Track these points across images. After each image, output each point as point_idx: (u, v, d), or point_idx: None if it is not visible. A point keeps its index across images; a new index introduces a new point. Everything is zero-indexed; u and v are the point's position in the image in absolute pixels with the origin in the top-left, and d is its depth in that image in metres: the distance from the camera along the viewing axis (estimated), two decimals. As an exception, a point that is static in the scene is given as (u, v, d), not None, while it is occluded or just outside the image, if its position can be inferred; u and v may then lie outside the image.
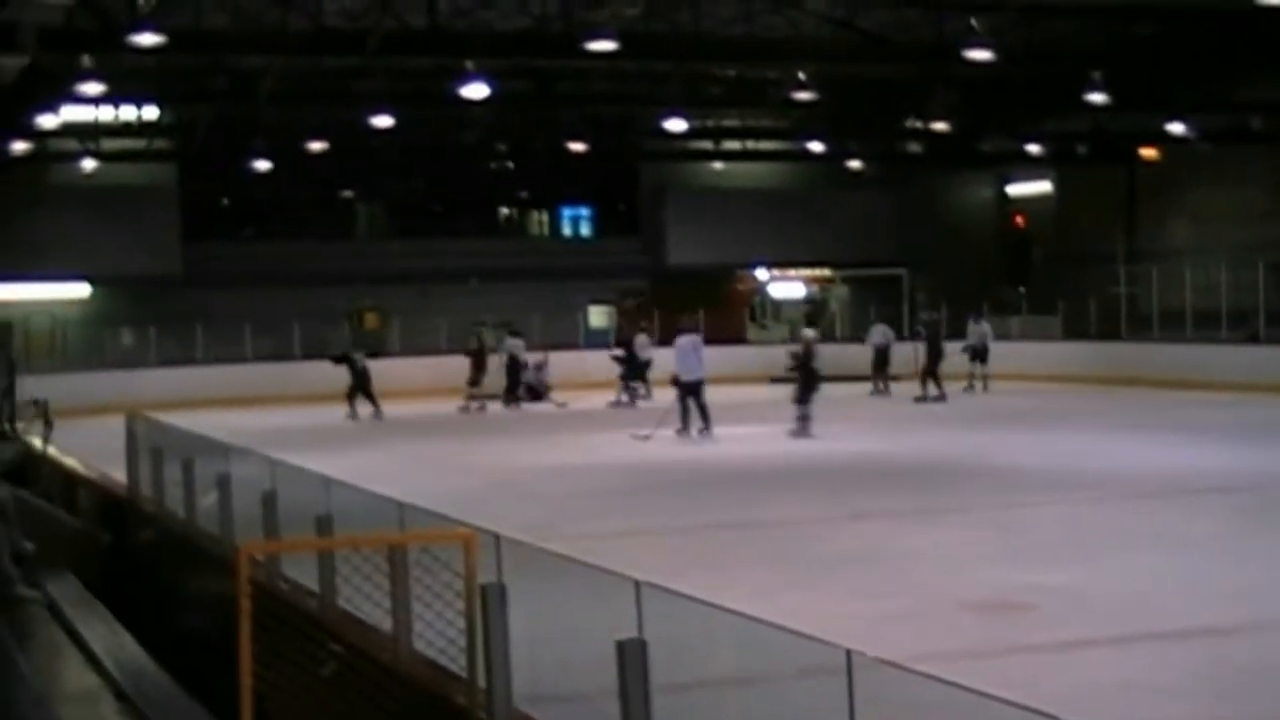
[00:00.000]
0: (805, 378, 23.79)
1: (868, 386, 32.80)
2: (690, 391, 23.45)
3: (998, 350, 33.85)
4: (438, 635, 7.39)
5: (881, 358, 32.95)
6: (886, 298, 41.53)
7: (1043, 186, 46.22)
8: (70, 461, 19.46)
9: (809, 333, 26.96)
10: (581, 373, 35.37)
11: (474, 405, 30.82)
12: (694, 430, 23.13)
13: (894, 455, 20.46)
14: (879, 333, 33.55)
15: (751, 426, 25.32)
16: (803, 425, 23.05)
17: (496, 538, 7.11)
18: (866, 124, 41.59)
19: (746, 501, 16.12)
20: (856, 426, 25.12)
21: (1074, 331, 37.14)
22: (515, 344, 32.45)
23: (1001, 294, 41.68)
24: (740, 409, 29.30)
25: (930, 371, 30.34)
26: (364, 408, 28.99)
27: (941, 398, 29.62)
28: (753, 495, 16.60)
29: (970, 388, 32.15)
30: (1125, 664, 8.62)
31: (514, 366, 31.96)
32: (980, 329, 33.24)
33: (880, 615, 9.82)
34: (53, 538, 14.10)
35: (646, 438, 22.72)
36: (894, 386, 31.93)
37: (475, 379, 31.44)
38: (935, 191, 47.70)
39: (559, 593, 8.02)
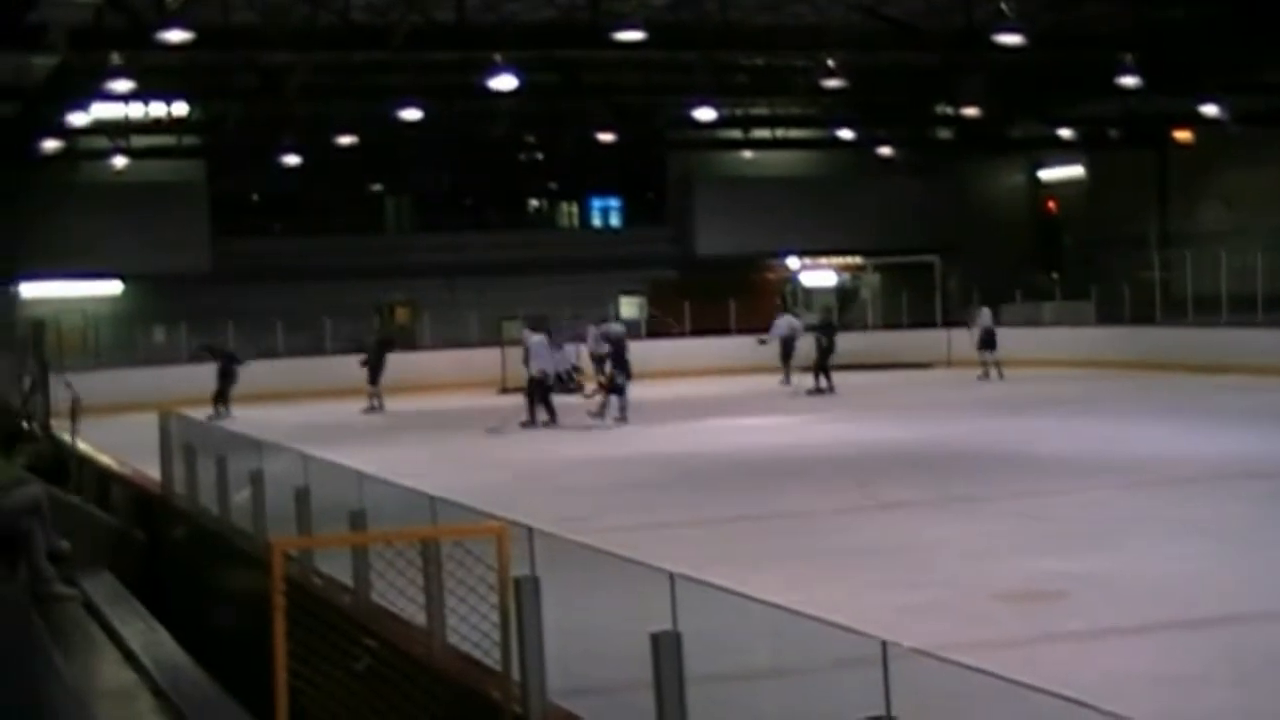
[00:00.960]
0: (617, 367, 24.76)
1: (898, 375, 32.75)
2: (539, 386, 24.53)
3: (1030, 336, 33.77)
4: (472, 629, 7.43)
5: (788, 348, 32.84)
6: (918, 285, 41.46)
7: (1075, 171, 46.01)
8: (104, 459, 19.61)
9: (616, 327, 27.71)
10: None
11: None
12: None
13: (920, 443, 20.44)
14: (784, 325, 33.28)
15: (777, 416, 25.33)
16: (600, 414, 24.83)
17: (529, 531, 7.16)
18: (896, 110, 41.54)
19: (774, 492, 16.14)
20: (881, 414, 25.13)
21: (1107, 317, 36.99)
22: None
23: (1034, 280, 41.54)
24: (767, 398, 29.33)
25: (821, 365, 30.29)
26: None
27: (828, 390, 29.62)
28: (780, 486, 16.62)
29: (985, 375, 32.07)
30: (1157, 653, 8.64)
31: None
32: (983, 315, 33.11)
33: (912, 606, 9.85)
34: (88, 536, 14.23)
35: (496, 430, 23.48)
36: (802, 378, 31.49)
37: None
38: (967, 177, 47.56)
39: (592, 585, 8.08)
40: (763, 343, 33.20)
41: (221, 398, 29.18)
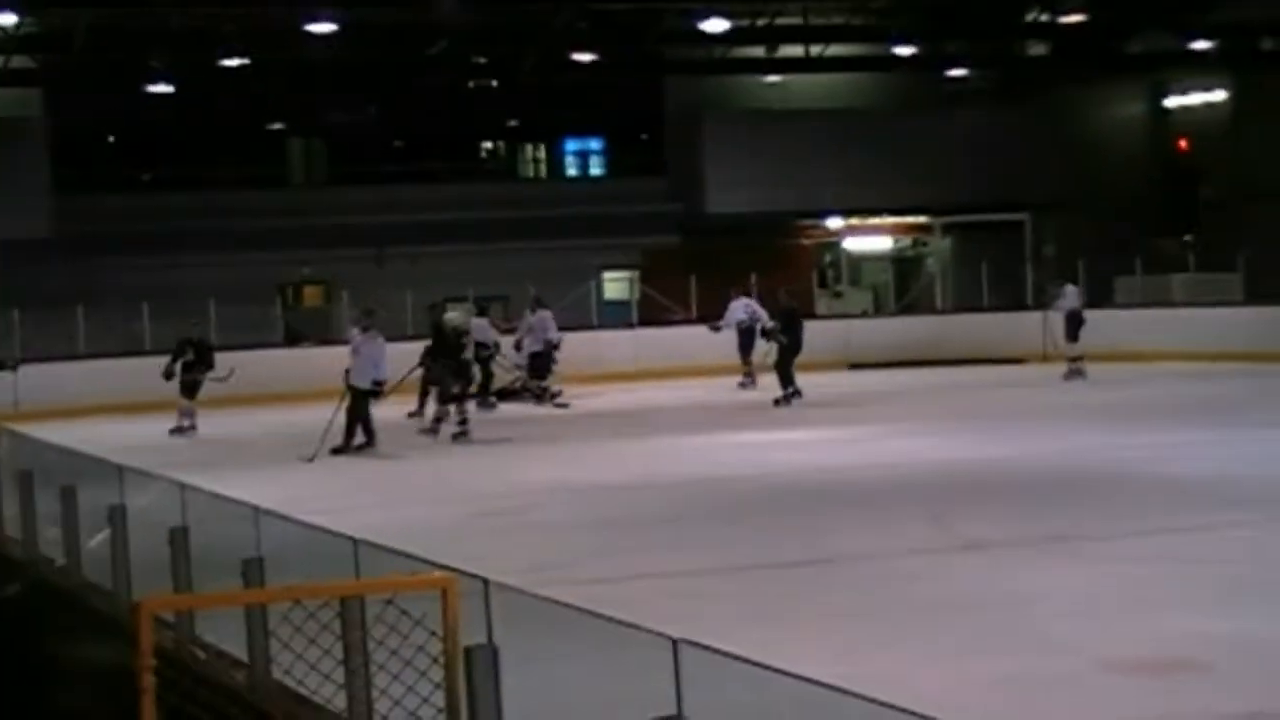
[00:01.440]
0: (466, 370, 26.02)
1: (978, 373, 32.79)
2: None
3: (1154, 320, 33.83)
4: (408, 714, 7.42)
5: (747, 339, 33.13)
6: (1003, 253, 41.52)
7: (1214, 97, 46.08)
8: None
9: (453, 315, 28.73)
10: (595, 360, 35.41)
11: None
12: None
13: (1011, 464, 20.46)
14: (742, 309, 33.57)
15: (822, 429, 25.35)
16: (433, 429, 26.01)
17: (485, 583, 7.14)
18: (974, 19, 41.56)
19: (817, 529, 16.13)
20: (958, 426, 25.16)
21: (1259, 293, 37.04)
22: (479, 324, 32.59)
23: (1160, 245, 41.60)
24: (808, 405, 29.33)
25: (783, 366, 30.18)
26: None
27: (795, 395, 29.57)
28: (826, 520, 16.62)
29: (1074, 374, 32.14)
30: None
31: (482, 353, 32.02)
32: (1068, 295, 33.18)
33: (1000, 678, 9.84)
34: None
35: (310, 459, 23.39)
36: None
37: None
38: (1068, 108, 47.57)
39: (568, 656, 8.05)
40: (716, 330, 33.62)
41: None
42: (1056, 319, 33.30)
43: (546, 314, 32.74)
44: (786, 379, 29.87)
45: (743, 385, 32.95)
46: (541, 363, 32.23)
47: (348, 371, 25.00)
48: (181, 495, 11.41)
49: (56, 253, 41.23)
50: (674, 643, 5.84)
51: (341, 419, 24.59)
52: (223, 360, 29.37)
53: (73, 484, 13.90)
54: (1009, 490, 18.28)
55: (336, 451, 24.06)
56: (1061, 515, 16.26)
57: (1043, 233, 43.54)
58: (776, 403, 29.47)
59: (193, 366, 28.87)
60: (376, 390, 25.01)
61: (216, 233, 42.86)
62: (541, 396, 31.95)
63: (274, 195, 46.29)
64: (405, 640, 7.46)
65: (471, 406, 28.67)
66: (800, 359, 32.29)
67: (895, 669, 9.79)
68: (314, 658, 8.25)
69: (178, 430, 28.54)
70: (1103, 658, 10.32)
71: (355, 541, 8.42)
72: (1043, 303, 35.56)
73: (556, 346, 32.37)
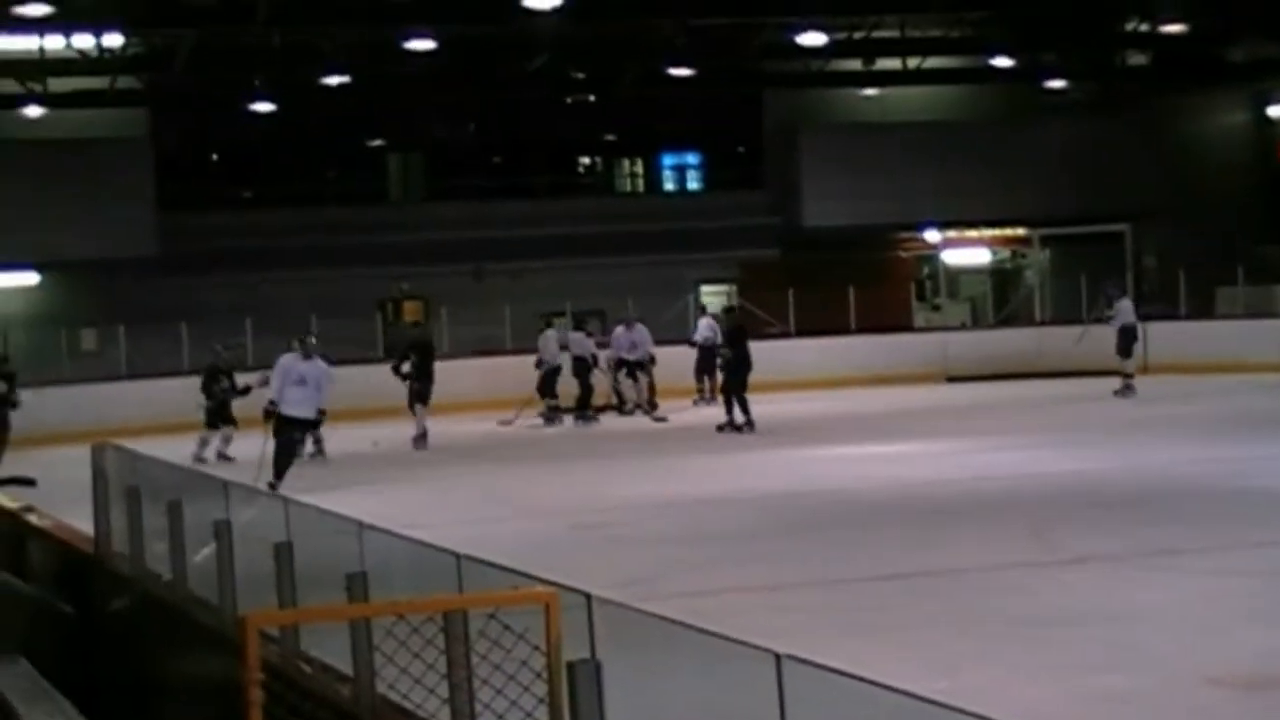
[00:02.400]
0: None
1: (1076, 385, 32.58)
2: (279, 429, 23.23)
3: (1258, 332, 33.44)
4: (512, 730, 7.45)
5: (707, 358, 33.21)
6: (1103, 264, 41.20)
7: (1319, 106, 45.71)
8: (15, 507, 19.79)
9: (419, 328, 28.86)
10: (692, 373, 35.42)
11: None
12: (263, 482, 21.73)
13: (1111, 477, 20.35)
14: (706, 328, 33.73)
15: (921, 442, 25.26)
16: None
17: (587, 598, 7.16)
18: (1071, 30, 41.29)
19: (915, 542, 16.08)
20: (1057, 438, 25.04)
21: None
22: (577, 338, 32.97)
23: (1262, 254, 41.20)
24: (906, 418, 29.24)
25: (733, 389, 28.91)
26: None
27: (747, 425, 28.26)
28: (924, 534, 16.57)
29: (1125, 390, 31.76)
30: None
31: (581, 368, 32.45)
32: (1123, 309, 32.81)
33: (1103, 695, 9.78)
34: (-2, 610, 14.36)
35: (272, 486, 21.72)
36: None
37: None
38: (1168, 118, 47.21)
39: (670, 670, 8.05)
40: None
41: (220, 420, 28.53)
42: (1111, 332, 32.79)
43: (552, 333, 33.10)
44: (735, 403, 28.58)
45: (698, 404, 33.26)
46: (551, 381, 32.66)
47: (273, 402, 23.19)
48: (285, 510, 11.49)
49: (162, 270, 41.64)
50: (777, 657, 5.84)
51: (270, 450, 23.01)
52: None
53: (178, 499, 14.01)
54: (1110, 504, 18.16)
55: (272, 487, 21.43)
56: (1163, 529, 16.16)
57: (1143, 243, 43.17)
58: (720, 429, 28.30)
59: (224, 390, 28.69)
60: (320, 420, 24.04)
61: (317, 249, 43.14)
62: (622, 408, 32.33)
63: (373, 211, 46.49)
64: (508, 654, 7.48)
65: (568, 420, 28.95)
66: (897, 370, 32.26)
67: (996, 684, 9.75)
68: (418, 672, 8.28)
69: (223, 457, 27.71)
70: (1206, 673, 10.24)
71: (458, 556, 8.45)
72: (1096, 317, 35.20)
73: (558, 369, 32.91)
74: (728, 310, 33.08)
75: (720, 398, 30.32)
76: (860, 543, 16.42)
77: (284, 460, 22.82)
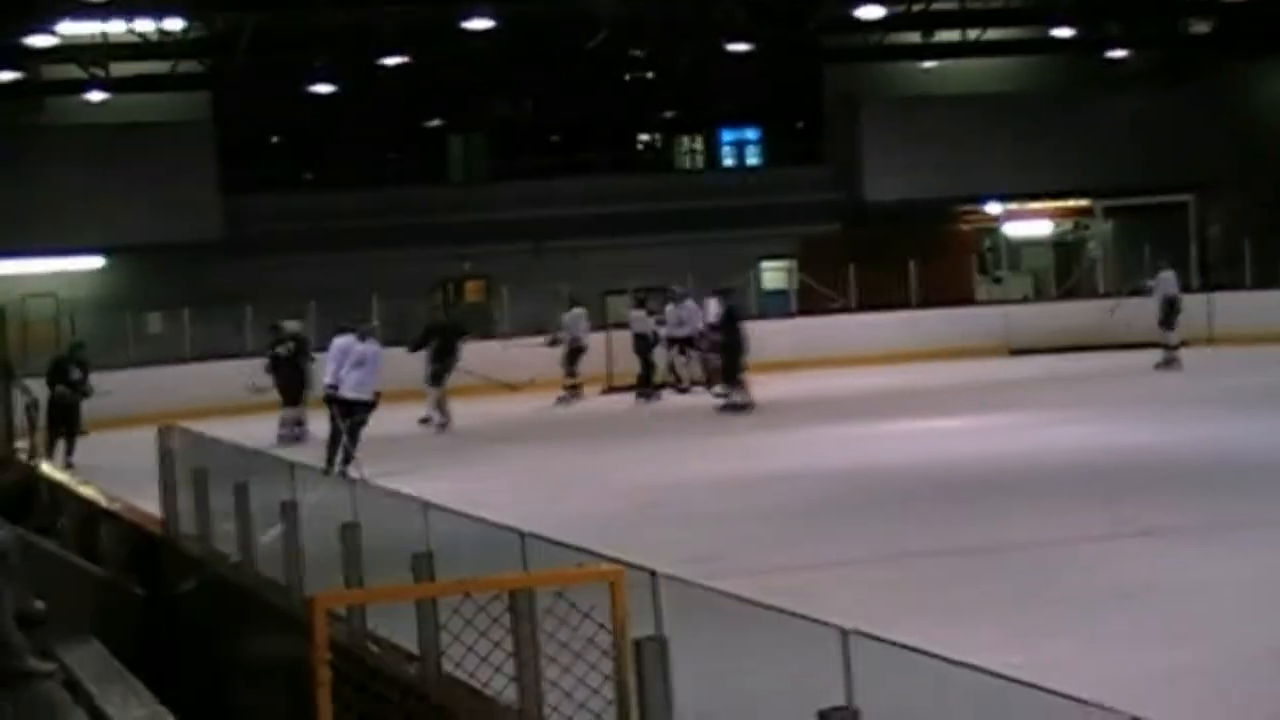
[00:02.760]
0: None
1: (1142, 357, 32.39)
2: (347, 412, 22.77)
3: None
4: (578, 707, 7.44)
5: (644, 345, 32.75)
6: (1167, 235, 40.93)
7: (1383, 73, 45.24)
8: (87, 490, 19.91)
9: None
10: (755, 349, 35.30)
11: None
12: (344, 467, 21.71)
13: (1180, 450, 20.21)
14: (682, 313, 32.89)
15: (985, 416, 25.16)
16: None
17: (653, 575, 7.14)
18: (1133, -1, 41.02)
19: (982, 517, 16.03)
20: (1124, 411, 24.96)
21: None
22: (638, 316, 32.88)
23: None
24: (969, 392, 29.14)
25: (730, 369, 28.97)
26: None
27: (745, 406, 28.24)
28: (993, 509, 16.51)
29: (1168, 363, 31.50)
30: None
31: (642, 345, 32.32)
32: (1164, 281, 32.55)
33: (1172, 670, 9.72)
34: (69, 592, 14.44)
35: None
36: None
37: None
38: (1233, 87, 46.82)
39: (737, 646, 8.03)
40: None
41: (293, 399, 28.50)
42: (1155, 304, 32.54)
43: (580, 312, 32.89)
44: (731, 382, 28.80)
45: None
46: (573, 360, 32.54)
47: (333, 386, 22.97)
48: (352, 491, 11.52)
49: (225, 253, 41.84)
50: (843, 633, 5.81)
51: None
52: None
53: (245, 481, 14.06)
54: (1176, 477, 18.06)
55: (343, 474, 21.06)
56: (1234, 502, 16.07)
57: (1208, 213, 42.82)
58: (724, 409, 28.36)
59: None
60: (376, 402, 23.37)
61: (379, 230, 43.25)
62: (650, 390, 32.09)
63: (435, 191, 46.63)
64: (575, 633, 7.48)
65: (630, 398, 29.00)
66: (960, 344, 32.09)
67: (1068, 658, 9.71)
68: (484, 650, 8.29)
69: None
70: (1275, 648, 10.17)
71: (522, 535, 8.44)
72: (1134, 288, 34.95)
73: (584, 349, 32.80)
74: (724, 291, 32.02)
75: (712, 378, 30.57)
76: (926, 518, 16.37)
77: (352, 443, 22.59)
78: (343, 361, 23.06)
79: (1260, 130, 46.17)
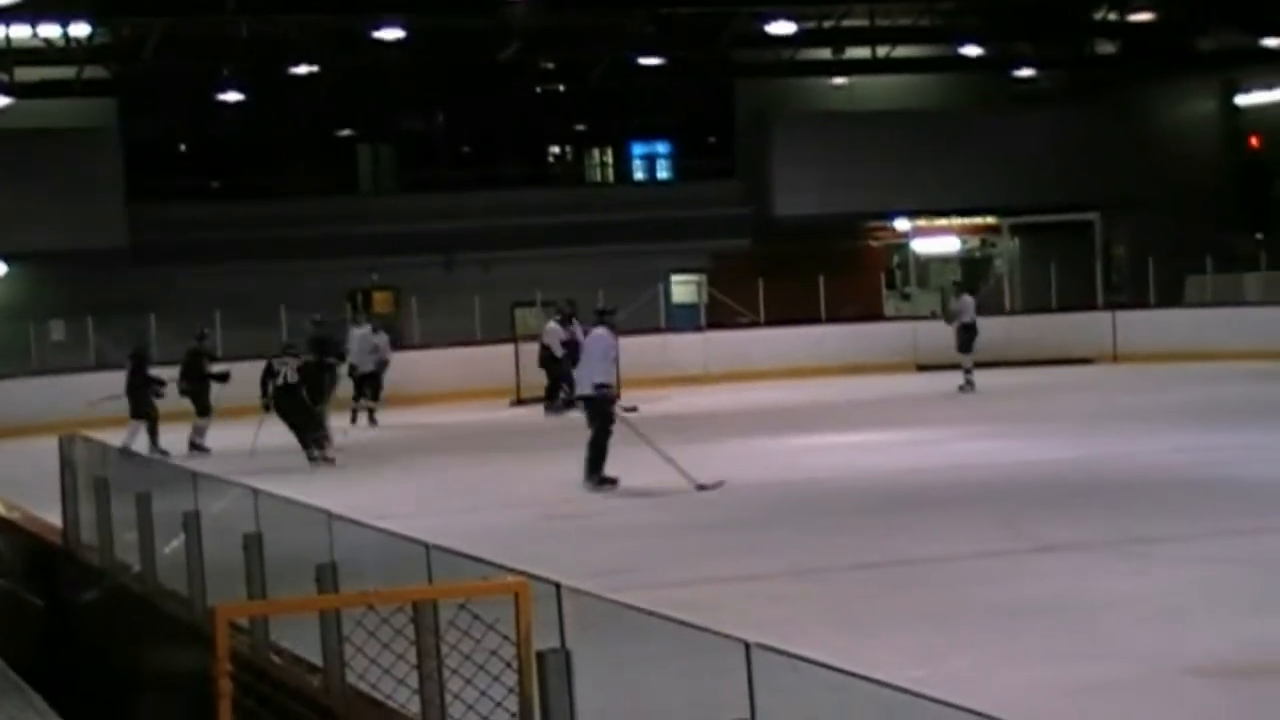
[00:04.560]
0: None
1: (1047, 374, 32.62)
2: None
3: (1227, 320, 33.48)
4: (481, 719, 7.40)
5: (551, 358, 32.08)
6: (1072, 253, 41.29)
7: (1286, 95, 45.76)
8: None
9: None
10: (663, 363, 35.42)
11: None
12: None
13: (1083, 465, 20.35)
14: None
15: (892, 431, 25.25)
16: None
17: (557, 588, 7.12)
18: (1042, 18, 41.35)
19: (890, 531, 16.06)
20: (1028, 427, 25.10)
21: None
22: (551, 330, 32.62)
23: (1231, 243, 41.29)
24: (877, 407, 29.25)
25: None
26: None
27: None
28: (898, 523, 16.55)
29: (967, 386, 31.80)
30: None
31: (550, 358, 32.01)
32: (964, 306, 32.81)
33: (1080, 685, 9.74)
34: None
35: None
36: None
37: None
38: (1138, 107, 47.29)
39: (641, 660, 8.01)
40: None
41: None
42: (954, 329, 32.69)
43: (363, 332, 32.31)
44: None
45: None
46: (375, 382, 31.99)
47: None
48: (255, 501, 11.43)
49: (130, 262, 41.52)
50: (746, 646, 5.80)
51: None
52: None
53: (147, 490, 13.95)
54: (1081, 493, 18.16)
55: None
56: (1135, 518, 16.14)
57: (1113, 232, 43.20)
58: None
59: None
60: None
61: (286, 240, 42.99)
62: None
63: (343, 202, 46.41)
64: (478, 645, 7.45)
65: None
66: (868, 360, 32.13)
67: (972, 673, 9.72)
68: (388, 662, 8.26)
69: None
70: (1185, 662, 10.21)
71: (427, 546, 8.40)
72: (942, 313, 35.27)
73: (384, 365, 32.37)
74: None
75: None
76: (834, 532, 16.38)
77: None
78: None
79: (1165, 151, 46.68)
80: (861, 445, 23.61)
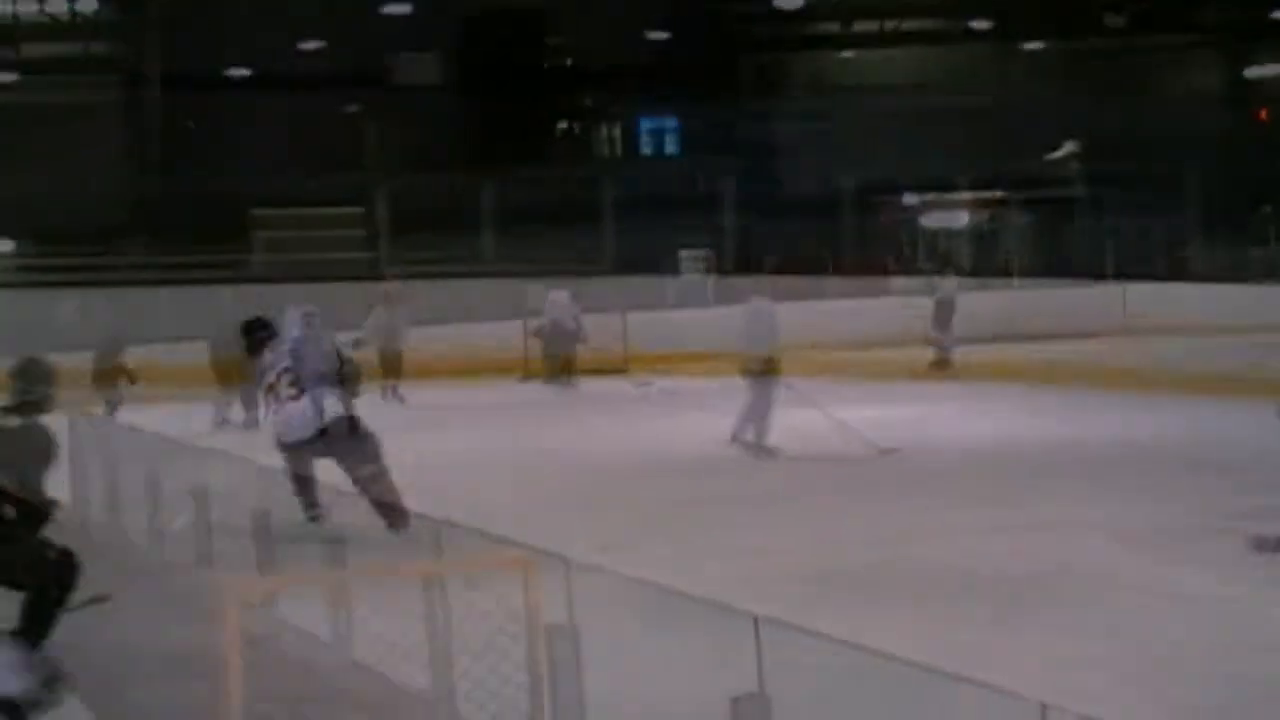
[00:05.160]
0: None
1: (1053, 347, 32.58)
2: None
3: (1231, 295, 33.44)
4: (491, 695, 7.43)
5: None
6: (1080, 225, 41.28)
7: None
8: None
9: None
10: (672, 340, 35.36)
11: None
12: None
13: (1087, 442, 20.38)
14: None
15: (903, 406, 25.23)
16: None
17: (565, 562, 7.13)
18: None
19: (905, 507, 16.05)
20: (1031, 402, 25.18)
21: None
22: (557, 299, 32.42)
23: (1237, 216, 41.27)
24: (887, 383, 29.24)
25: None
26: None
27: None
28: (913, 498, 16.54)
29: (941, 364, 31.43)
30: None
31: (556, 333, 31.92)
32: (945, 285, 32.64)
33: (1087, 660, 9.76)
34: None
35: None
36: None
37: None
38: (1144, 79, 47.20)
39: (651, 635, 8.03)
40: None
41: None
42: (933, 308, 32.58)
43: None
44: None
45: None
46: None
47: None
48: (263, 477, 11.46)
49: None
50: (755, 620, 5.82)
51: None
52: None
53: (156, 467, 13.99)
54: (1078, 469, 18.15)
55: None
56: (1143, 491, 16.16)
57: (1119, 205, 43.17)
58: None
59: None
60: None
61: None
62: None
63: (354, 176, 46.44)
64: (487, 620, 7.46)
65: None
66: (880, 333, 32.03)
67: (981, 649, 9.73)
68: (396, 638, 8.27)
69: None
70: (1169, 637, 10.25)
71: (436, 522, 8.42)
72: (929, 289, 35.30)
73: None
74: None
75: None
76: (843, 505, 16.36)
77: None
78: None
79: (1172, 123, 46.50)
80: (871, 421, 23.52)
